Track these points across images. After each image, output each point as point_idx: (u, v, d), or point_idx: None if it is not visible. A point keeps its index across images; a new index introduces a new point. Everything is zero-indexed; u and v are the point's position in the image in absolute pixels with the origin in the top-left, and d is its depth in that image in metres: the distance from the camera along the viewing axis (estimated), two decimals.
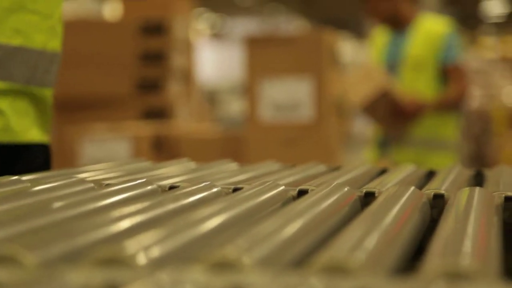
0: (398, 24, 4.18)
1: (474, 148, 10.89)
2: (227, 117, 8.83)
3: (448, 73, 4.17)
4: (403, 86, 4.07)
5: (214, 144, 3.37)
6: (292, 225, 0.75)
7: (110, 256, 0.61)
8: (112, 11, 6.07)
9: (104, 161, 1.62)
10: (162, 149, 3.31)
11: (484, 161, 9.99)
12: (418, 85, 4.11)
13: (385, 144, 3.96)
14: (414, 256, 0.80)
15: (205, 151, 3.27)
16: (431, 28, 4.24)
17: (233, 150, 3.32)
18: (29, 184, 1.08)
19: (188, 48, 5.12)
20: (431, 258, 0.63)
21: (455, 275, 0.59)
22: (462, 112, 4.49)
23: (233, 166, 1.51)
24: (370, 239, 0.71)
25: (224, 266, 0.60)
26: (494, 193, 1.02)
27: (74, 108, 4.40)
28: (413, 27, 4.20)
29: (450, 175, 1.30)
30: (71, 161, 3.24)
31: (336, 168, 1.48)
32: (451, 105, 4.20)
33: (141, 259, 0.61)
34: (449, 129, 4.29)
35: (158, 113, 4.52)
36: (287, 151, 3.27)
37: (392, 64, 4.16)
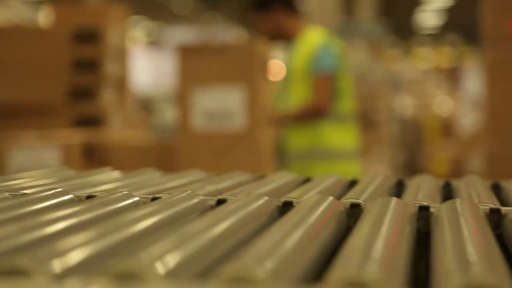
0: (286, 39, 4.31)
1: (407, 156, 11.05)
2: (162, 126, 8.80)
3: (314, 83, 4.18)
4: (292, 99, 4.13)
5: (147, 152, 3.35)
6: (203, 235, 0.75)
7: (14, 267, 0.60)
8: (45, 18, 5.99)
9: (33, 170, 1.59)
10: (94, 158, 3.28)
11: (416, 169, 10.14)
12: (303, 97, 4.15)
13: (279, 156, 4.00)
14: (327, 266, 0.80)
15: (137, 159, 3.26)
16: (309, 40, 4.32)
17: (165, 159, 3.31)
18: None
19: (122, 56, 5.09)
20: (337, 267, 0.63)
21: (358, 285, 0.59)
22: (354, 121, 4.47)
23: (157, 175, 1.50)
24: (281, 248, 0.71)
25: (128, 277, 0.59)
26: (409, 203, 1.03)
27: (4, 115, 4.33)
28: (298, 41, 4.29)
29: (371, 184, 1.31)
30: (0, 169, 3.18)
31: (261, 178, 1.48)
32: (300, 117, 4.13)
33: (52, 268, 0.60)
34: (333, 137, 4.26)
35: (91, 121, 4.48)
36: (219, 160, 3.27)
37: (286, 77, 4.25)
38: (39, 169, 1.60)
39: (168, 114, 9.54)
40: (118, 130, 4.57)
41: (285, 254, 0.69)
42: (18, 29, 4.72)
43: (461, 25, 19.81)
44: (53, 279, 0.60)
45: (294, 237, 0.77)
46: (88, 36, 4.69)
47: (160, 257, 0.64)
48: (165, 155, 3.37)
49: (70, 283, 0.58)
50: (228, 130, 3.43)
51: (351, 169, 4.24)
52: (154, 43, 23.30)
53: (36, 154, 2.95)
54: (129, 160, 3.23)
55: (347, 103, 4.31)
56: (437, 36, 23.42)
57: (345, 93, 4.31)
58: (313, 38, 4.31)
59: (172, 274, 0.62)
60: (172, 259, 0.64)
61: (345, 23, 10.75)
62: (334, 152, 4.22)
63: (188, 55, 3.56)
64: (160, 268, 0.61)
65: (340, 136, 4.24)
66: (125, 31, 5.29)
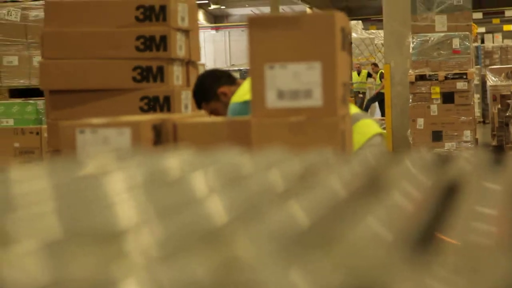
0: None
1: (492, 134, 10.85)
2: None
3: None
4: None
5: (219, 129, 3.36)
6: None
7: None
8: None
9: (104, 152, 1.61)
10: (165, 137, 3.31)
11: (504, 148, 9.96)
12: None
13: None
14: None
15: (209, 137, 3.27)
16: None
17: (238, 136, 3.32)
18: None
19: (190, 34, 5.11)
20: (451, 236, 0.63)
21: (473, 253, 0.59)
22: None
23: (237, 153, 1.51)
24: (386, 224, 0.71)
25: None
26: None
27: (71, 98, 4.39)
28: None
29: (467, 159, 1.30)
30: None
31: (345, 155, 1.48)
32: None
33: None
34: None
35: (160, 101, 4.53)
36: (294, 138, 3.27)
37: None
38: (110, 151, 1.62)
39: None
40: (189, 110, 4.61)
41: (395, 225, 0.69)
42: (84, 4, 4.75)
43: None
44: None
45: (398, 211, 0.77)
46: (155, 13, 4.72)
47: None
48: (238, 132, 3.38)
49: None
50: (305, 107, 3.42)
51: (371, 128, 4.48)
52: (218, 22, 23.41)
53: (105, 137, 2.99)
54: (201, 138, 3.25)
55: None
56: None
57: None
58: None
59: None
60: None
61: None
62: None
63: (259, 28, 3.55)
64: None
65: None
66: (192, 9, 5.32)
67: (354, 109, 4.62)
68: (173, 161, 1.35)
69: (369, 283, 0.53)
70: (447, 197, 0.96)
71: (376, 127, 4.62)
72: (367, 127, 4.54)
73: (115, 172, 1.16)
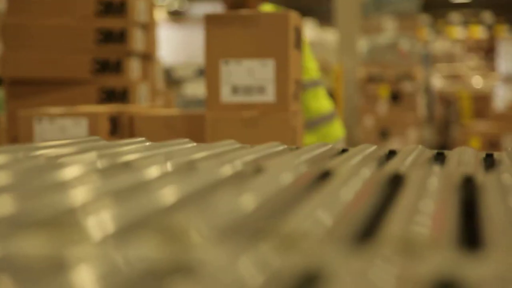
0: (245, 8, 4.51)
1: (437, 134, 10.99)
2: (186, 99, 8.82)
3: None
4: None
5: (174, 123, 3.36)
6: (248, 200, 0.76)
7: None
8: None
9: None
10: (121, 129, 3.30)
11: (447, 146, 10.09)
12: None
13: None
14: (374, 228, 0.81)
15: (164, 131, 3.27)
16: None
17: (193, 130, 3.31)
18: None
19: (148, 28, 5.09)
20: (388, 226, 0.64)
21: (410, 242, 0.60)
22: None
23: (189, 145, 1.51)
24: (332, 209, 0.72)
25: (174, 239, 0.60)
26: (453, 173, 1.03)
27: (30, 89, 4.35)
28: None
29: (410, 155, 1.31)
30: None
31: (295, 149, 1.49)
32: None
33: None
34: (311, 105, 4.54)
35: (117, 94, 4.50)
36: (248, 133, 3.28)
37: None
38: (66, 139, 1.61)
39: (192, 88, 9.55)
40: (145, 103, 4.59)
41: (337, 214, 0.70)
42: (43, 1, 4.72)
43: (493, 1, 19.61)
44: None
45: (340, 201, 0.77)
46: (115, 8, 4.70)
47: (210, 219, 0.64)
48: (193, 126, 3.38)
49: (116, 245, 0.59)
50: (258, 103, 3.43)
51: (334, 131, 4.52)
52: (177, 16, 23.31)
53: (62, 126, 2.97)
54: (156, 131, 3.25)
55: (310, 72, 4.55)
56: (470, 13, 23.22)
57: (306, 64, 4.53)
58: (265, 9, 4.53)
59: (222, 236, 0.63)
60: (221, 221, 0.65)
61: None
62: (315, 118, 4.48)
63: (216, 25, 3.55)
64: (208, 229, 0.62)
65: (315, 102, 4.50)
66: (151, 4, 5.29)
67: (329, 105, 4.64)
68: (126, 149, 1.34)
69: (307, 268, 0.53)
70: (389, 190, 0.97)
71: (341, 128, 4.67)
72: (337, 129, 4.58)
73: (69, 157, 1.16)
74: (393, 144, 8.94)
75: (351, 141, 8.88)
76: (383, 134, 9.01)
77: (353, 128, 9.12)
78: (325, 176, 1.04)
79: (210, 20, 3.54)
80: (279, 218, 0.70)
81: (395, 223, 0.67)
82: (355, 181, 0.93)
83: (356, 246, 0.67)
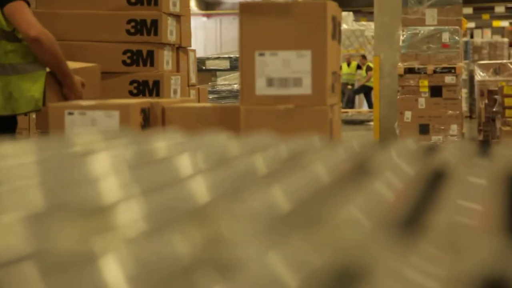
0: None
1: (479, 127, 10.90)
2: (219, 91, 8.83)
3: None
4: None
5: (208, 115, 3.36)
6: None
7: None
8: None
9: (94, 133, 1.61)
10: (154, 121, 3.31)
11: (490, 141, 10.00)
12: None
13: None
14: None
15: (198, 122, 3.27)
16: None
17: (227, 122, 3.32)
18: None
19: (180, 20, 5.10)
20: (436, 215, 0.63)
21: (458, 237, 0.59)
22: None
23: (224, 137, 1.51)
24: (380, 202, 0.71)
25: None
26: (499, 167, 1.02)
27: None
28: None
29: (454, 150, 1.30)
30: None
31: (335, 142, 1.48)
32: None
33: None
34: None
35: (150, 86, 4.53)
36: (283, 125, 3.27)
37: None
38: (98, 131, 1.61)
39: (225, 80, 9.56)
40: (177, 95, 4.60)
41: (382, 211, 0.69)
42: None
43: None
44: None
45: (385, 197, 0.77)
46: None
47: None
48: (226, 119, 3.38)
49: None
50: (294, 95, 3.42)
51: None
52: (209, 6, 23.35)
53: (93, 119, 2.99)
54: (189, 123, 3.25)
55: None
56: None
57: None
58: None
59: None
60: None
61: None
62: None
63: (251, 14, 3.53)
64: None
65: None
66: None
67: None
68: (160, 143, 1.34)
69: (350, 263, 0.52)
70: (431, 186, 0.96)
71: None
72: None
73: (102, 151, 1.16)
74: (434, 138, 8.88)
75: (390, 135, 8.83)
76: (424, 128, 8.94)
77: (392, 122, 9.07)
78: (368, 171, 1.04)
79: (245, 9, 3.53)
80: (323, 213, 0.70)
81: (442, 219, 0.66)
82: (400, 177, 0.92)
83: (402, 241, 0.66)
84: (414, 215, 0.81)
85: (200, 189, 0.79)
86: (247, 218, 0.62)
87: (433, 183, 1.00)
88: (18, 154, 1.06)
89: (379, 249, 0.57)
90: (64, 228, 0.61)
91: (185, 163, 1.00)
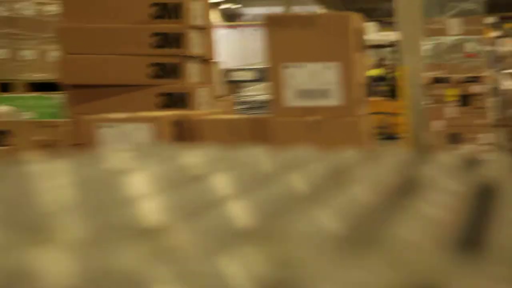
0: None
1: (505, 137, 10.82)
2: (246, 102, 8.83)
3: None
4: None
5: (238, 127, 3.34)
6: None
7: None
8: None
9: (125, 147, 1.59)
10: (184, 134, 3.30)
11: None
12: None
13: None
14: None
15: (228, 135, 3.26)
16: None
17: (257, 134, 3.30)
18: None
19: (206, 32, 5.10)
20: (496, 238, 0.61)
21: None
22: None
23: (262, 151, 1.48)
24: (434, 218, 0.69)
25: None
26: None
27: (90, 95, 4.38)
28: None
29: (495, 163, 1.27)
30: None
31: (373, 155, 1.45)
32: None
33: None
34: None
35: (177, 98, 4.52)
36: (313, 136, 3.26)
37: None
38: (132, 146, 1.60)
39: (252, 91, 9.56)
40: (205, 107, 4.60)
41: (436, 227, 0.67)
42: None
43: None
44: None
45: (435, 213, 0.74)
46: (170, 10, 4.70)
47: None
48: (256, 130, 3.37)
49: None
50: (322, 107, 3.41)
51: None
52: (233, 18, 23.42)
53: (124, 132, 2.98)
54: (219, 135, 3.24)
55: None
56: None
57: None
58: None
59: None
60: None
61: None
62: None
63: (276, 26, 3.53)
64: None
65: None
66: (206, 7, 5.29)
67: None
68: (198, 158, 1.32)
69: (424, 282, 0.50)
70: (485, 201, 0.93)
71: None
72: None
73: (139, 168, 1.14)
74: (465, 148, 8.81)
75: (420, 145, 8.77)
76: (454, 138, 8.88)
77: (421, 131, 9.00)
78: (417, 188, 1.01)
79: (271, 21, 3.52)
80: (378, 230, 0.67)
81: (500, 235, 0.64)
82: (450, 193, 0.90)
83: (464, 260, 0.64)
84: (473, 234, 0.78)
85: (246, 209, 0.77)
86: (309, 238, 0.60)
87: (484, 199, 0.98)
88: (56, 173, 1.04)
89: (449, 271, 0.55)
90: (118, 251, 0.59)
91: (227, 181, 0.98)
